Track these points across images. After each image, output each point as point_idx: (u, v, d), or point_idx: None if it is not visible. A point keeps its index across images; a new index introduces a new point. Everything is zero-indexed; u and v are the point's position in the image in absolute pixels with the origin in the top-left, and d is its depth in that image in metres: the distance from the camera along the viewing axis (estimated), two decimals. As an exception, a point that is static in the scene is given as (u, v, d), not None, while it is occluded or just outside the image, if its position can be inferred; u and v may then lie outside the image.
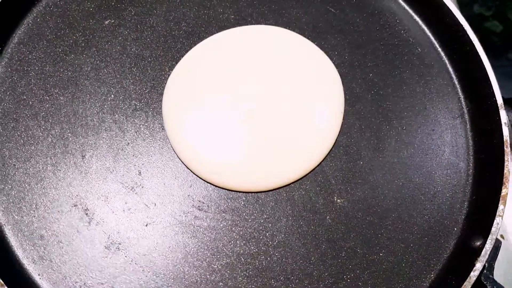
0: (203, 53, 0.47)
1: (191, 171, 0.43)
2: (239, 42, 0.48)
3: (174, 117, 0.44)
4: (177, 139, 0.44)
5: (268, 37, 0.48)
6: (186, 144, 0.43)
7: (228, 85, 0.46)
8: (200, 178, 0.43)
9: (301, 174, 0.43)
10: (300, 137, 0.44)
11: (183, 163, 0.43)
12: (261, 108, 0.45)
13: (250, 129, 0.44)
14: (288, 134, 0.44)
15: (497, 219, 0.39)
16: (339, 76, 0.47)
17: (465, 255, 0.41)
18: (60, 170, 0.43)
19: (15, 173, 0.42)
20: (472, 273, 0.38)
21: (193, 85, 0.46)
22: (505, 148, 0.42)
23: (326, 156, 0.44)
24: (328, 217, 0.42)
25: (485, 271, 0.39)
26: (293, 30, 0.49)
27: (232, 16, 0.49)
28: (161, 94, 0.46)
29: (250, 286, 0.40)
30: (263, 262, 0.41)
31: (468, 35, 0.46)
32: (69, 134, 0.44)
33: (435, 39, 0.50)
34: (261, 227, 0.42)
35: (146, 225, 0.41)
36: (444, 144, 0.46)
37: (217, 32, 0.48)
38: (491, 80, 0.44)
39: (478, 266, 0.38)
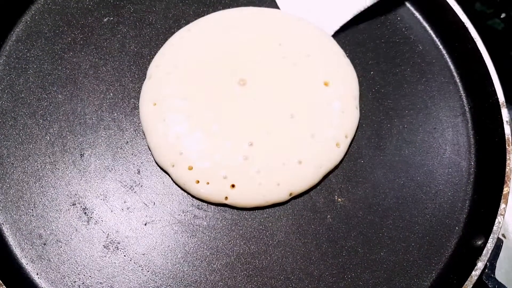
0: (190, 38, 0.45)
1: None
2: (231, 25, 0.46)
3: (155, 127, 0.42)
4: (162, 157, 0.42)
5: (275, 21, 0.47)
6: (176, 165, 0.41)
7: (221, 86, 0.44)
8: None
9: (307, 187, 0.42)
10: (306, 151, 0.42)
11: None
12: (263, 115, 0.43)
13: (252, 143, 0.42)
14: (294, 148, 0.42)
15: (499, 218, 0.39)
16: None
17: (466, 254, 0.40)
18: (58, 169, 0.42)
19: (13, 171, 0.42)
20: (473, 272, 0.38)
21: (177, 87, 0.43)
22: (506, 147, 0.42)
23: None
24: (328, 216, 0.42)
25: (486, 270, 0.39)
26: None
27: (232, 14, 0.49)
28: (160, 92, 0.45)
29: (250, 285, 0.40)
30: (263, 261, 0.40)
31: (469, 33, 0.46)
32: (68, 133, 0.44)
33: (436, 36, 0.50)
34: (261, 226, 0.41)
35: (145, 224, 0.41)
36: (446, 142, 0.45)
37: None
38: (493, 78, 0.44)
39: (480, 265, 0.38)
